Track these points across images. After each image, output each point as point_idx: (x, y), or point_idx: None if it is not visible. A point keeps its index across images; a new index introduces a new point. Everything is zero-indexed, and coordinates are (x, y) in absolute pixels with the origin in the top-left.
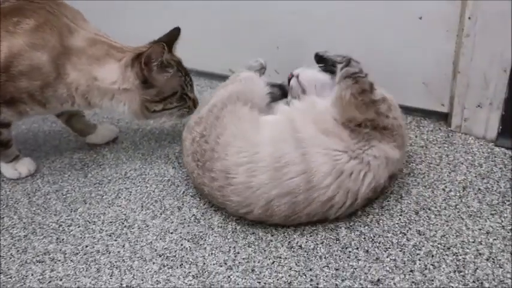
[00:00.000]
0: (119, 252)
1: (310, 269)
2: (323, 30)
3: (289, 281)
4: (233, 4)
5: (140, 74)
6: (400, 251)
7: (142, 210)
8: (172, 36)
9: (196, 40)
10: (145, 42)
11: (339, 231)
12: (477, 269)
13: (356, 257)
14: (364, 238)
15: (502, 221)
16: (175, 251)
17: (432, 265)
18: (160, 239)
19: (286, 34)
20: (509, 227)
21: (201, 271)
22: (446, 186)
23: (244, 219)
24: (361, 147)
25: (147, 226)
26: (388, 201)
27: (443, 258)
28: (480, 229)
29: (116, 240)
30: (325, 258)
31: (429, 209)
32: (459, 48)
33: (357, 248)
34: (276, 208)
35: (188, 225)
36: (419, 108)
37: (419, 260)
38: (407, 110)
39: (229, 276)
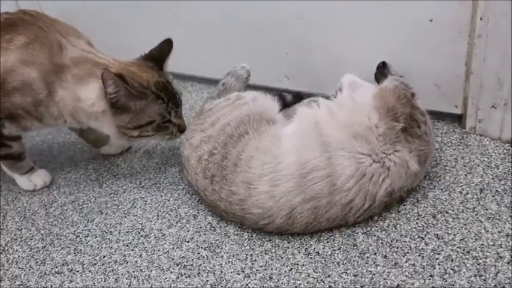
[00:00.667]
0: (136, 261)
1: (329, 276)
2: (332, 35)
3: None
4: (241, 10)
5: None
6: (419, 255)
7: (158, 219)
8: (163, 50)
9: (204, 47)
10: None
11: (356, 236)
12: (498, 272)
13: (374, 262)
14: (382, 243)
15: None
16: (193, 260)
17: (452, 269)
18: (177, 247)
19: (296, 40)
20: None
21: (218, 279)
22: (463, 189)
23: None
24: (385, 150)
25: (164, 235)
26: (404, 205)
27: (463, 262)
28: (500, 232)
29: (133, 250)
30: (343, 264)
31: (447, 213)
32: (471, 49)
33: (375, 254)
34: (298, 216)
35: (204, 234)
36: (432, 111)
37: (439, 264)
38: None
39: (247, 285)
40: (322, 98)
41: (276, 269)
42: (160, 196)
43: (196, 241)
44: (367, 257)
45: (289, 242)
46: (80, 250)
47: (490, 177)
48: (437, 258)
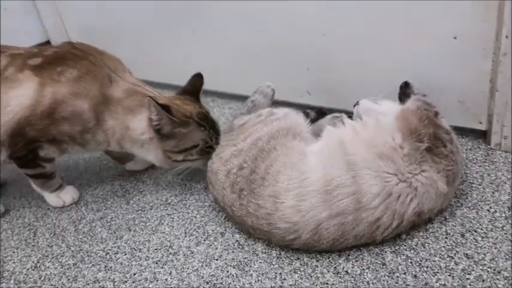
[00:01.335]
0: (166, 279)
1: None
2: (354, 52)
3: None
4: (263, 26)
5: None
6: (449, 275)
7: (186, 236)
8: (196, 84)
9: (225, 62)
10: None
11: (385, 255)
12: None
13: (404, 282)
14: (411, 262)
15: None
16: (222, 278)
17: None
18: (206, 265)
19: (317, 55)
20: None
21: None
22: (490, 207)
23: None
24: (411, 170)
25: (192, 253)
26: (432, 223)
27: (495, 283)
28: None
29: (162, 268)
30: (372, 283)
31: (475, 231)
32: (496, 67)
33: (405, 273)
34: (324, 231)
35: (232, 252)
36: (456, 127)
37: (470, 284)
38: None
39: None
40: (345, 115)
41: None
42: (187, 213)
43: (225, 259)
44: (397, 277)
45: (317, 261)
46: (111, 267)
47: None
48: (468, 279)
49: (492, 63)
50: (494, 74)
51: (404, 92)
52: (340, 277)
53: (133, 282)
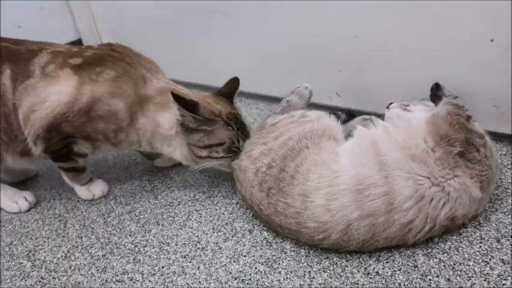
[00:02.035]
0: (194, 274)
1: None
2: (387, 54)
3: None
4: (294, 28)
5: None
6: (485, 280)
7: (213, 232)
8: (231, 87)
9: (253, 63)
10: (208, 69)
11: (417, 258)
12: None
13: (437, 285)
14: (444, 266)
15: None
16: (250, 274)
17: None
18: (234, 261)
19: (349, 58)
20: None
21: None
22: None
23: None
24: (444, 175)
25: (220, 248)
26: (466, 228)
27: None
28: None
29: (190, 262)
30: (404, 285)
31: (511, 237)
32: None
33: (438, 276)
34: (354, 232)
35: (261, 249)
36: (491, 131)
37: None
38: None
39: None
40: (375, 117)
41: None
42: (215, 210)
43: (253, 256)
44: (430, 280)
45: (347, 261)
46: (139, 260)
47: None
48: (504, 284)
49: None
50: None
51: (436, 93)
52: (370, 278)
53: (161, 275)
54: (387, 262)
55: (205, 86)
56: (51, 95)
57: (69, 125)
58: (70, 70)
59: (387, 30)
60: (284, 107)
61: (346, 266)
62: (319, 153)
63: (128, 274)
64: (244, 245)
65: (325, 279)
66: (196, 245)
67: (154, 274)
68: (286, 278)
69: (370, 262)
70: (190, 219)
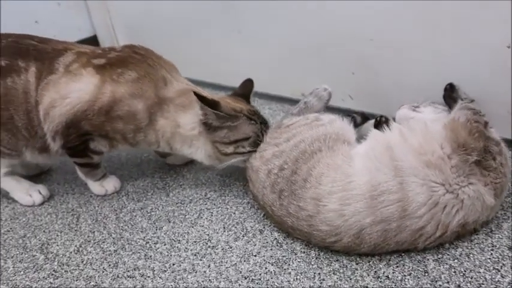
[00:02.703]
0: (205, 272)
1: None
2: (402, 58)
3: None
4: (308, 30)
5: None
6: None
7: (224, 231)
8: (246, 88)
9: (267, 64)
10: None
11: (427, 263)
12: None
13: None
14: (455, 272)
15: None
16: (260, 274)
17: None
18: (244, 261)
19: (363, 60)
20: None
21: None
22: None
23: None
24: (458, 182)
25: (231, 247)
26: (477, 234)
27: None
28: None
29: (201, 260)
30: None
31: None
32: None
33: (448, 282)
34: (367, 236)
35: (271, 249)
36: (505, 138)
37: None
38: None
39: None
40: (391, 120)
41: None
42: (226, 209)
43: (263, 256)
44: (440, 285)
45: (357, 264)
46: (150, 256)
47: None
48: None
49: None
50: None
51: (450, 95)
52: (380, 281)
53: (172, 272)
54: (397, 266)
55: (217, 85)
56: (73, 92)
57: (89, 123)
58: (93, 69)
59: (402, 33)
60: (301, 108)
61: (356, 269)
62: (332, 156)
63: (139, 270)
64: (255, 245)
65: (334, 282)
66: (207, 243)
67: (165, 271)
68: (296, 279)
69: (380, 266)
70: (202, 217)
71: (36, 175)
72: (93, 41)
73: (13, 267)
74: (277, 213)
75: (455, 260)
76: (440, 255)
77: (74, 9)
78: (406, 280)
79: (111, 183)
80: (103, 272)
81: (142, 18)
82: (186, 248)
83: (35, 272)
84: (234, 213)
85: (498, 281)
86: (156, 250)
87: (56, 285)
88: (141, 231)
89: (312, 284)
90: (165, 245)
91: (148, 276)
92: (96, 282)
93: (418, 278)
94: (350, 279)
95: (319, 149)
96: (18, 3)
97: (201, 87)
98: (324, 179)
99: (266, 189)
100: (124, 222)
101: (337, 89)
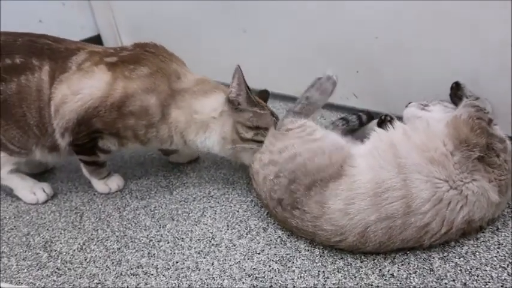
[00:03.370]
0: (208, 269)
1: None
2: (407, 56)
3: None
4: (313, 28)
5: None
6: (502, 286)
7: (228, 229)
8: (262, 98)
9: (272, 62)
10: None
11: (433, 261)
12: None
13: None
14: (460, 270)
15: None
16: (264, 272)
17: None
18: (248, 259)
19: (368, 59)
20: None
21: None
22: None
23: None
24: (462, 178)
25: (234, 245)
26: (483, 232)
27: None
28: None
29: (204, 258)
30: None
31: None
32: None
33: (454, 280)
34: (372, 234)
35: (275, 247)
36: (511, 136)
37: None
38: None
39: None
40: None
41: None
42: (230, 207)
43: (267, 254)
44: (445, 283)
45: (362, 262)
46: (154, 254)
47: None
48: None
49: None
50: None
51: (456, 93)
52: (385, 280)
53: (175, 270)
54: (402, 264)
55: (221, 83)
56: (84, 88)
57: (100, 120)
58: (105, 66)
59: (406, 32)
60: (303, 104)
61: (361, 267)
62: (333, 166)
63: (142, 268)
64: (259, 243)
65: (339, 280)
66: (210, 241)
67: (169, 269)
68: (300, 277)
69: (385, 264)
70: (205, 215)
71: (40, 173)
72: (96, 40)
73: (16, 265)
74: (281, 215)
75: (461, 258)
76: (446, 253)
77: (77, 9)
78: (411, 278)
79: (114, 182)
80: (106, 269)
81: (146, 18)
82: (189, 246)
83: (38, 269)
84: (238, 211)
85: (504, 279)
86: (159, 248)
87: (59, 283)
88: (145, 229)
89: (316, 282)
90: (168, 243)
91: (152, 274)
92: (99, 280)
93: (424, 276)
94: (355, 277)
95: (319, 163)
96: (23, 3)
97: None
98: (330, 185)
99: (266, 193)
100: (127, 220)
101: (341, 88)
